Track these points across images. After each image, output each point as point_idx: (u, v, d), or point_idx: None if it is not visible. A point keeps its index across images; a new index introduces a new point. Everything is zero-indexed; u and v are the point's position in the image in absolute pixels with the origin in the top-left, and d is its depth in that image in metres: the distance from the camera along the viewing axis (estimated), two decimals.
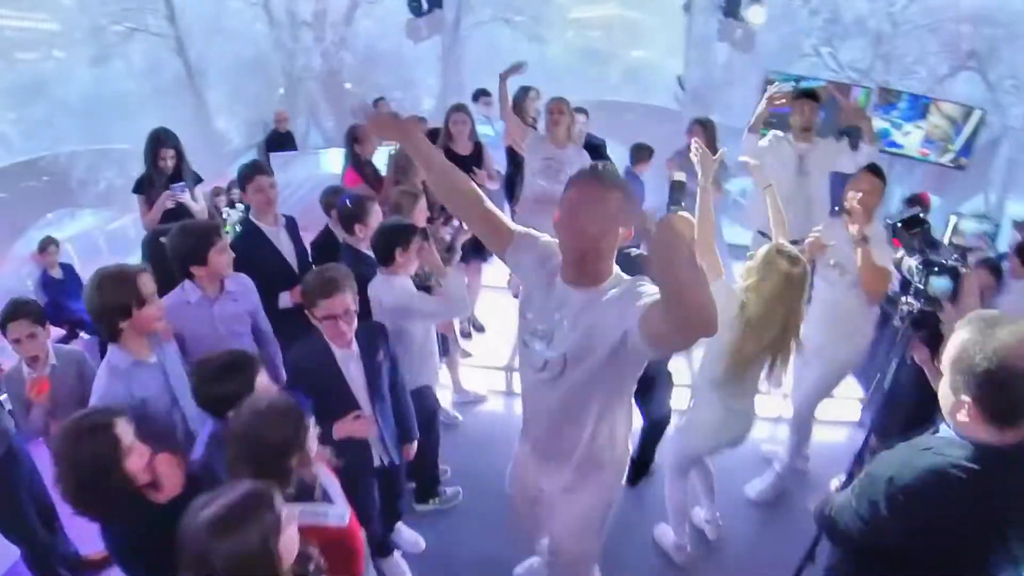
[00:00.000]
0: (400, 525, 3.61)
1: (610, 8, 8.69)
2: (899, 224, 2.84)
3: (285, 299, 3.68)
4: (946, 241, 5.15)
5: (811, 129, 4.72)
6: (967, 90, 8.04)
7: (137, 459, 2.03)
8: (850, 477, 2.93)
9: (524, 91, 6.20)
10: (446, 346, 4.32)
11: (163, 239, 3.21)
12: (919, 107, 7.65)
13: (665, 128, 8.71)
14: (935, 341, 2.55)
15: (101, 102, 6.54)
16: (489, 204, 2.16)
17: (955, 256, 2.70)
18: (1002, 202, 7.76)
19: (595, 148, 6.68)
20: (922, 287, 2.69)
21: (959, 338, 1.59)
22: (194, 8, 7.43)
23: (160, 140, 4.81)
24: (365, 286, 3.27)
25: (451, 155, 5.20)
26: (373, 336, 3.03)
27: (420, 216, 3.95)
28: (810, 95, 4.84)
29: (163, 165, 4.76)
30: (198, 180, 5.14)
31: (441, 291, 3.49)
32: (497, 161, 6.16)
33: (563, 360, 2.02)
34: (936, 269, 2.67)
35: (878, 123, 7.76)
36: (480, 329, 5.92)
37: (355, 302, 2.85)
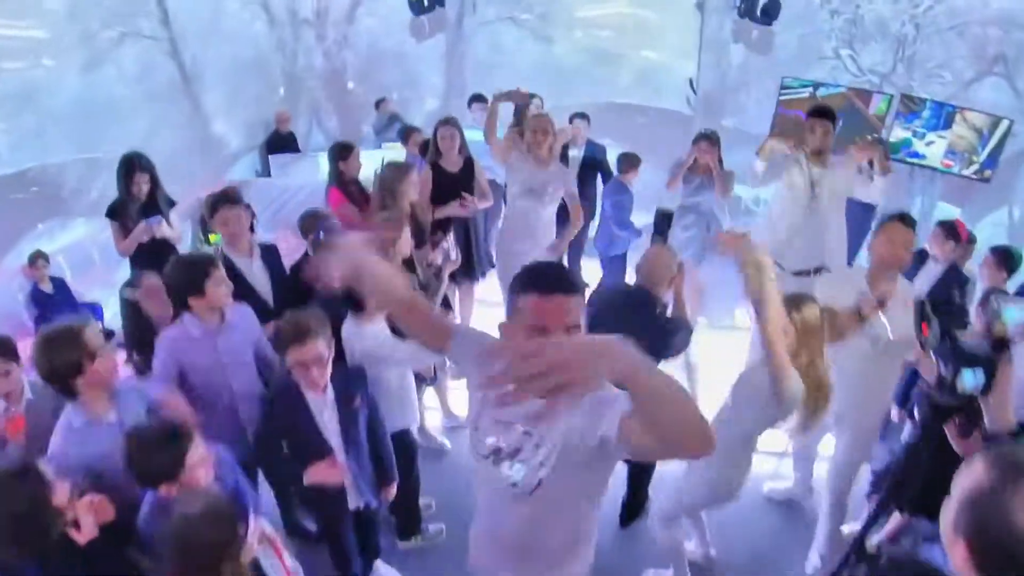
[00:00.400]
0: (378, 563, 3.62)
1: (620, 6, 8.33)
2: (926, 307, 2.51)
3: None
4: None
5: (825, 153, 4.35)
6: (993, 96, 7.65)
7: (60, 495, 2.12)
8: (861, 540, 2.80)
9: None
10: (434, 370, 4.12)
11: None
12: (943, 116, 7.25)
13: (675, 132, 8.37)
14: (967, 428, 2.37)
15: (92, 109, 6.28)
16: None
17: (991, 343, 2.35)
18: None
19: (595, 161, 6.41)
20: (950, 379, 2.28)
21: (976, 480, 1.28)
22: (189, 10, 7.15)
23: (134, 165, 4.68)
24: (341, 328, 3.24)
25: (440, 172, 4.98)
26: (349, 382, 3.03)
27: (404, 246, 3.80)
28: (825, 114, 4.45)
29: (136, 191, 4.67)
30: (171, 204, 5.07)
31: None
32: (494, 171, 5.92)
33: (537, 482, 1.82)
34: (968, 360, 2.34)
35: (899, 133, 7.45)
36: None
37: (330, 348, 2.87)
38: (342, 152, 5.18)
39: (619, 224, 5.96)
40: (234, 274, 3.48)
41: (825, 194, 4.22)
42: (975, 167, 7.25)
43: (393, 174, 4.31)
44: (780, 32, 7.61)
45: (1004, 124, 6.99)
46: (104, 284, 6.02)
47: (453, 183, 5.08)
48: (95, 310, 5.43)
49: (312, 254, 4.11)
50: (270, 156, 8.13)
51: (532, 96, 5.92)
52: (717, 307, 5.96)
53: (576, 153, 6.52)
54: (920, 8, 7.70)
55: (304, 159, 8.05)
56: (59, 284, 5.73)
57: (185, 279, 3.05)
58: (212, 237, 5.97)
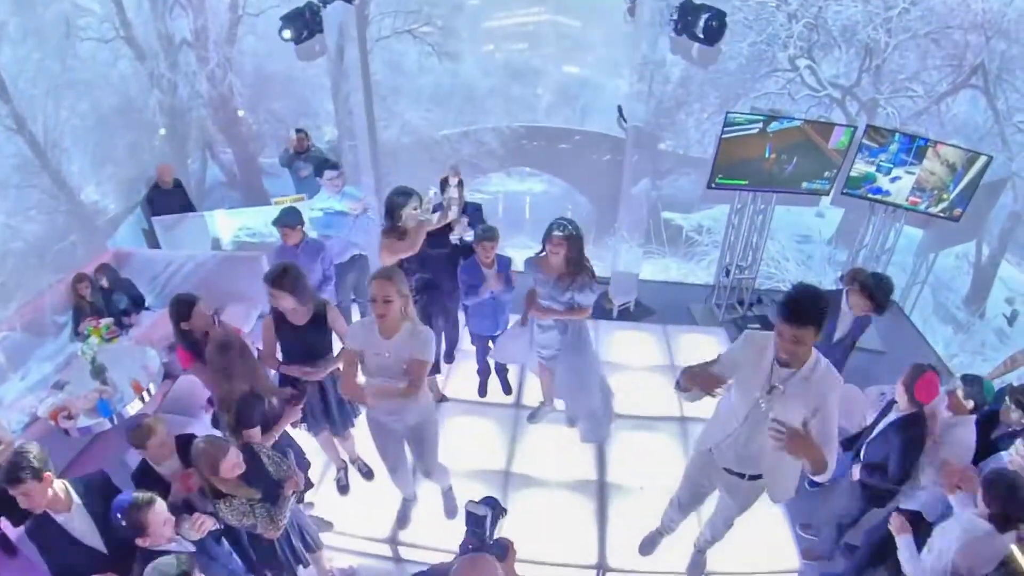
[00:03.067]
0: None
1: (536, 14, 6.69)
2: None
3: None
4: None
5: (795, 363, 3.02)
6: (968, 112, 6.51)
7: None
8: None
9: (401, 194, 4.73)
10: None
11: None
12: (914, 150, 6.01)
13: (606, 158, 7.04)
14: None
15: None
16: None
17: None
18: (996, 258, 6.26)
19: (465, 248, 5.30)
20: None
21: None
22: (30, 72, 5.72)
23: None
24: None
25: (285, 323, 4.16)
26: None
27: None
28: (798, 317, 2.76)
29: None
30: None
31: None
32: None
33: None
34: None
35: (861, 167, 6.26)
36: (369, 475, 5.05)
37: None
38: (181, 311, 4.20)
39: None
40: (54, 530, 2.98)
41: (784, 406, 2.97)
42: (944, 205, 6.13)
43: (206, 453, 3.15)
44: (727, 41, 6.11)
45: (982, 161, 5.83)
46: None
47: (301, 340, 4.15)
48: None
49: (179, 343, 4.22)
50: (154, 219, 7.09)
51: (410, 196, 4.65)
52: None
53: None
54: (894, 11, 6.23)
55: (192, 220, 7.04)
56: None
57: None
58: (93, 331, 5.50)
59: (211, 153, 8.59)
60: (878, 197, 6.36)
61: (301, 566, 3.71)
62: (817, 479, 2.95)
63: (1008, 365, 4.78)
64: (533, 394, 5.67)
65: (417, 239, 4.61)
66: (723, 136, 6.19)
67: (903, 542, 3.28)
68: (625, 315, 7.12)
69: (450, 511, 4.63)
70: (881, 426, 3.80)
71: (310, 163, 7.20)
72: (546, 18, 6.66)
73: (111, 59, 6.86)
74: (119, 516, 2.73)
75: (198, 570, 2.59)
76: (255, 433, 3.58)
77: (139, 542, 2.76)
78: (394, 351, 3.47)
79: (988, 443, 3.83)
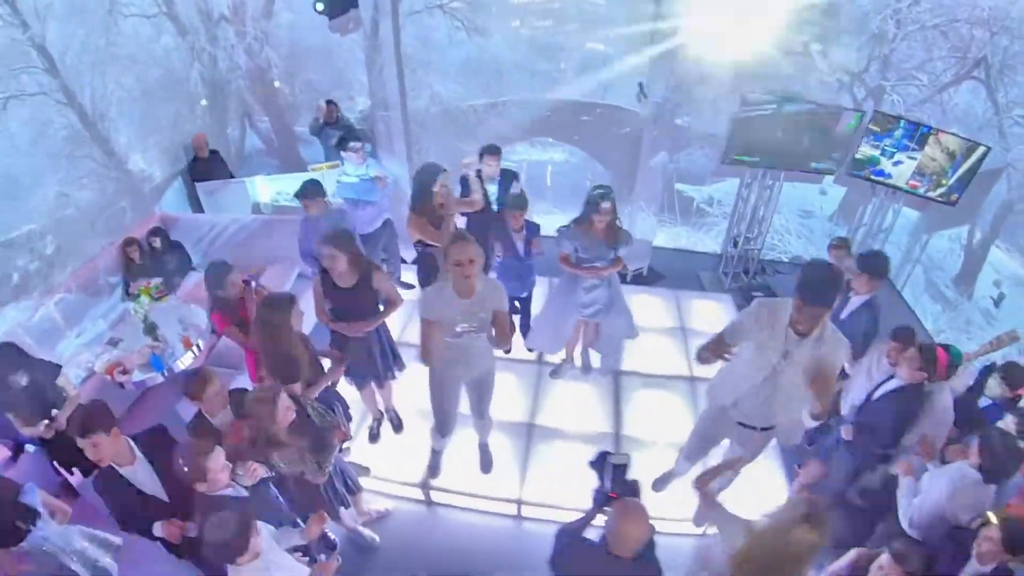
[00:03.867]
0: None
1: None
2: None
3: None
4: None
5: (809, 332, 3.33)
6: (969, 101, 6.73)
7: None
8: None
9: (428, 171, 5.05)
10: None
11: None
12: (917, 136, 6.28)
13: (624, 131, 7.27)
14: None
15: None
16: None
17: None
18: (987, 243, 6.59)
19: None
20: None
21: None
22: (77, 48, 5.89)
23: None
24: None
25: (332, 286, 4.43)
26: None
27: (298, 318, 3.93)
28: (817, 299, 3.10)
29: None
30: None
31: None
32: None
33: None
34: None
35: (867, 151, 6.54)
36: (399, 427, 5.40)
37: None
38: (215, 279, 4.46)
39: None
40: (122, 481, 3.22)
41: (797, 369, 3.30)
42: (942, 190, 6.43)
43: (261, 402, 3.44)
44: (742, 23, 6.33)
45: (980, 151, 6.11)
46: None
47: (349, 301, 4.40)
48: (54, 367, 4.57)
49: (214, 308, 4.50)
50: (197, 184, 7.48)
51: (437, 173, 4.97)
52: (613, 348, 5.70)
53: (493, 188, 5.59)
54: (904, 3, 6.46)
55: (232, 186, 7.38)
56: None
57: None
58: (144, 291, 5.98)
59: (249, 122, 8.83)
60: (880, 179, 6.66)
61: (343, 507, 4.02)
62: (815, 420, 3.46)
63: (993, 345, 5.01)
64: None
65: (446, 233, 4.80)
66: (739, 116, 6.47)
67: (906, 483, 3.63)
68: (638, 279, 7.45)
69: (486, 465, 4.97)
70: (880, 392, 4.10)
71: (339, 132, 7.42)
72: None
73: (154, 34, 7.08)
74: (182, 463, 2.95)
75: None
76: (297, 387, 3.78)
77: (198, 487, 2.98)
78: (475, 308, 3.73)
79: (972, 413, 4.23)
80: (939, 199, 6.49)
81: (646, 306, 6.90)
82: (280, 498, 3.54)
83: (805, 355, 3.20)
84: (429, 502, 4.86)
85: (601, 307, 5.14)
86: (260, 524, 2.86)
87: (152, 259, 6.59)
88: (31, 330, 5.56)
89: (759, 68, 6.90)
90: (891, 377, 4.09)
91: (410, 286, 6.71)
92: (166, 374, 5.25)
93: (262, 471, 3.30)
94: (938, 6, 6.41)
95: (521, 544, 4.57)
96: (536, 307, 5.83)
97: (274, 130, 8.80)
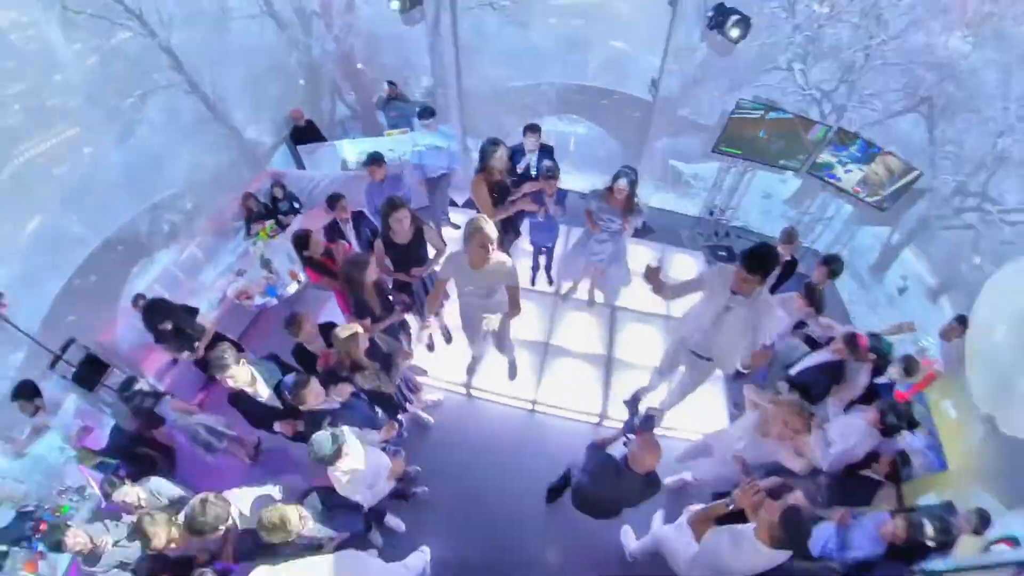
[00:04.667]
0: (388, 516, 5.32)
1: None
2: None
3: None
4: None
5: (747, 295, 4.47)
6: (909, 130, 8.13)
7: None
8: None
9: (492, 143, 6.10)
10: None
11: None
12: (868, 154, 7.74)
13: (635, 117, 8.54)
14: None
15: (139, 168, 6.73)
16: None
17: None
18: (901, 245, 8.23)
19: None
20: None
21: None
22: (197, 48, 7.13)
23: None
24: None
25: (392, 245, 5.57)
26: None
27: (372, 271, 4.99)
28: (757, 266, 4.27)
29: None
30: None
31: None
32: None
33: None
34: None
35: (826, 157, 7.95)
36: (448, 339, 6.84)
37: None
38: (301, 243, 5.66)
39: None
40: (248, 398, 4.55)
41: (736, 317, 4.56)
42: (877, 198, 7.91)
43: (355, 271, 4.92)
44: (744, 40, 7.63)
45: (915, 174, 7.50)
46: (192, 293, 7.11)
47: (406, 253, 5.57)
48: (193, 311, 6.07)
49: (306, 265, 5.76)
50: (297, 147, 8.74)
51: (497, 144, 6.07)
52: (611, 290, 7.21)
53: (531, 160, 6.78)
54: (875, 40, 7.82)
55: (326, 147, 8.65)
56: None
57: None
58: (262, 233, 7.72)
59: (338, 96, 10.35)
60: (832, 181, 8.11)
61: (408, 403, 5.46)
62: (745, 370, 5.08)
63: (895, 329, 6.16)
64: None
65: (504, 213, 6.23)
66: (731, 116, 7.84)
67: (819, 436, 4.70)
68: (634, 232, 8.93)
69: (512, 374, 6.51)
70: (815, 360, 5.50)
71: (399, 105, 8.80)
72: (599, 0, 8.11)
73: (259, 30, 8.56)
74: (286, 392, 4.19)
75: (342, 420, 4.07)
76: (367, 323, 5.03)
77: (301, 407, 4.21)
78: (482, 279, 4.88)
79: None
80: (873, 204, 8.01)
81: (637, 254, 8.38)
82: (364, 404, 4.65)
83: (742, 310, 4.50)
84: (469, 396, 6.44)
85: (606, 257, 6.54)
86: (347, 429, 3.91)
87: (269, 206, 8.00)
88: (180, 265, 7.32)
89: (749, 76, 8.25)
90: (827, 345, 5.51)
91: (458, 226, 8.37)
92: (278, 299, 6.87)
93: (348, 389, 4.39)
94: (901, 49, 7.75)
95: (534, 433, 6.21)
96: (558, 252, 7.29)
97: (358, 102, 10.35)
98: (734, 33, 6.99)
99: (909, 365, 5.66)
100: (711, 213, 9.23)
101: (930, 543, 4.06)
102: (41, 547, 4.90)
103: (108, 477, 4.78)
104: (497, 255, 4.78)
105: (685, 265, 8.41)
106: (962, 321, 5.70)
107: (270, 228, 7.77)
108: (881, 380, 5.78)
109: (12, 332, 5.65)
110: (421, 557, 4.98)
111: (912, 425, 4.98)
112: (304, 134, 8.98)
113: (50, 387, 5.81)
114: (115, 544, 4.06)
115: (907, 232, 8.02)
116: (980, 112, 7.12)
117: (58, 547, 3.98)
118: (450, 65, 8.12)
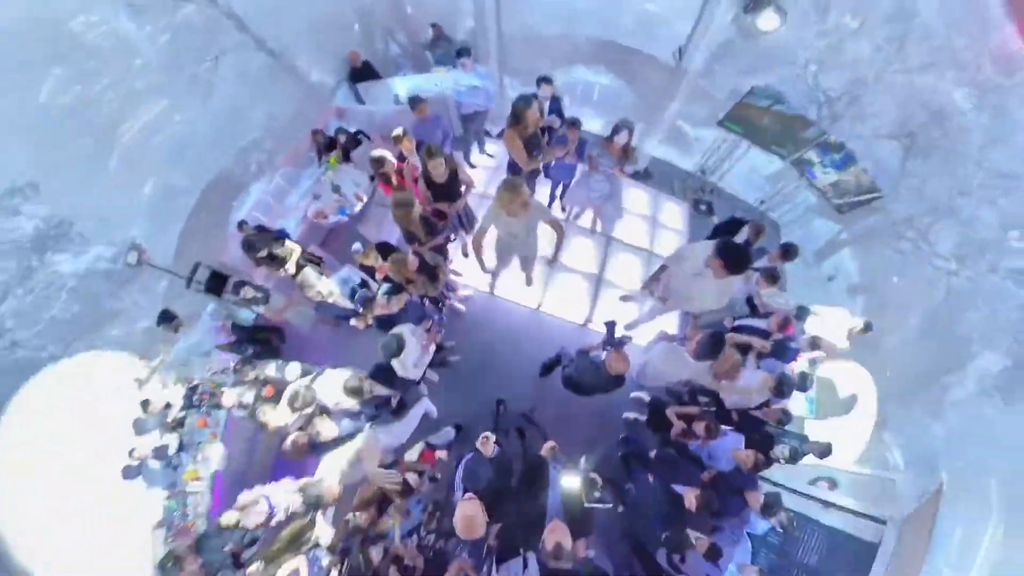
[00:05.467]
0: (428, 371, 7.24)
1: None
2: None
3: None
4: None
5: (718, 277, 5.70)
6: (885, 157, 8.70)
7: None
8: None
9: (524, 100, 6.70)
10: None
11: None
12: (846, 164, 8.79)
13: (656, 76, 9.33)
14: None
15: (224, 121, 7.48)
16: None
17: None
18: (844, 244, 9.32)
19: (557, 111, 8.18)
20: None
21: None
22: (256, 5, 7.72)
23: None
24: None
25: (432, 184, 6.84)
26: None
27: (415, 210, 6.53)
28: (734, 267, 5.48)
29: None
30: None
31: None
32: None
33: None
34: None
35: (812, 156, 8.95)
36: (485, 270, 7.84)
37: None
38: (375, 166, 7.32)
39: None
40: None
41: (704, 281, 5.81)
42: (840, 202, 9.05)
43: (401, 211, 6.36)
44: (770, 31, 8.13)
45: (876, 194, 8.61)
46: (280, 216, 8.74)
47: (443, 190, 6.83)
48: (284, 233, 7.88)
49: (380, 181, 7.51)
50: (356, 85, 9.93)
51: (530, 99, 6.77)
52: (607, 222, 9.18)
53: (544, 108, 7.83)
54: (892, 67, 8.19)
55: (381, 84, 9.90)
56: (259, 229, 7.96)
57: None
58: (331, 160, 9.12)
59: (392, 38, 10.94)
60: (809, 178, 9.22)
61: (447, 298, 7.21)
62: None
63: (809, 346, 7.53)
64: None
65: (537, 164, 7.45)
66: (743, 99, 8.72)
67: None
68: (636, 175, 10.31)
69: (528, 282, 8.17)
70: (752, 324, 7.09)
71: (443, 44, 9.89)
72: None
73: None
74: (359, 305, 6.01)
75: (402, 319, 6.02)
76: (416, 247, 6.68)
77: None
78: (517, 226, 6.13)
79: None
80: (835, 206, 9.14)
81: (635, 197, 9.98)
82: (418, 305, 6.60)
83: (711, 280, 5.69)
84: (492, 295, 8.38)
85: (602, 194, 7.84)
86: (404, 330, 5.83)
87: (334, 138, 9.37)
88: (270, 192, 8.90)
89: (764, 68, 8.87)
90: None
91: (491, 155, 10.26)
92: (348, 217, 8.60)
93: (404, 297, 6.21)
94: (908, 82, 8.18)
95: (537, 325, 8.43)
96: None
97: (409, 43, 11.02)
98: (768, 25, 7.49)
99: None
100: (702, 171, 10.49)
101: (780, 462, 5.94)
102: (206, 408, 6.86)
103: (245, 356, 7.11)
104: (532, 201, 5.82)
105: (671, 212, 9.98)
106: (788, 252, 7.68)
107: (337, 157, 9.06)
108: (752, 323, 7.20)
109: (155, 271, 7.24)
110: (422, 406, 6.66)
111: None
112: (361, 73, 9.97)
113: (188, 304, 7.55)
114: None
115: (853, 235, 8.81)
116: (951, 164, 7.58)
117: (218, 407, 6.38)
118: (491, 10, 8.97)
